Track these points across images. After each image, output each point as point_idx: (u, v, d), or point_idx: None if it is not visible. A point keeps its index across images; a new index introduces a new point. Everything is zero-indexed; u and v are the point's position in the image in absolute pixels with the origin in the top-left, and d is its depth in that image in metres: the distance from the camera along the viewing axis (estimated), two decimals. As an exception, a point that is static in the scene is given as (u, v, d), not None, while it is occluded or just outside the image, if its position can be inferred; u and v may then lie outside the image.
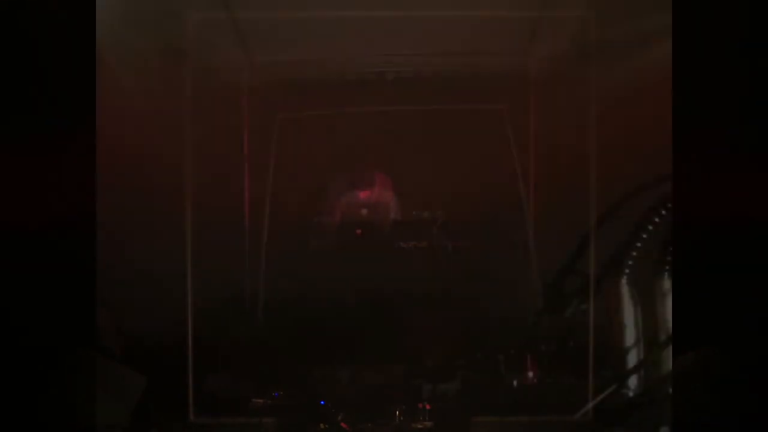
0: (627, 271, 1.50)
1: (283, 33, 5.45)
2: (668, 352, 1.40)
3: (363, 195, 5.69)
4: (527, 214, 6.28)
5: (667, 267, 1.40)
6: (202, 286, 4.01)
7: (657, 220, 1.37)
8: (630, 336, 1.51)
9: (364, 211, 5.31)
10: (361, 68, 6.18)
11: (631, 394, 1.43)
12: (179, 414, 3.54)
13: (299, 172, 6.05)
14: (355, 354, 4.26)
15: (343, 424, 3.42)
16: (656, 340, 1.44)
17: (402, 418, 3.43)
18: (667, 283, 1.44)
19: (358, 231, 5.27)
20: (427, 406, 3.51)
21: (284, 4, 5.09)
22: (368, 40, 5.80)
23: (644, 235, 1.42)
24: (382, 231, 5.32)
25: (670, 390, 1.29)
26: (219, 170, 5.51)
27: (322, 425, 3.47)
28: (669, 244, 1.38)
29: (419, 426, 3.35)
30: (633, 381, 1.47)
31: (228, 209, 5.70)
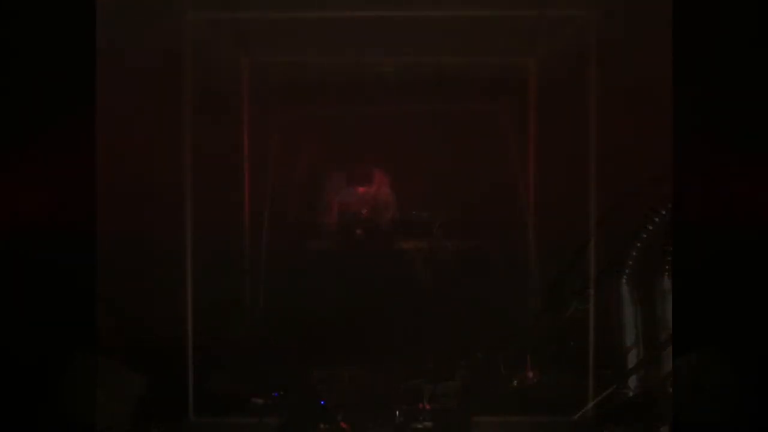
0: (627, 271, 1.50)
1: (283, 33, 5.45)
2: (668, 352, 1.40)
3: (363, 195, 5.69)
4: (527, 214, 6.29)
5: (667, 267, 1.40)
6: (202, 286, 4.01)
7: (657, 220, 1.36)
8: (630, 336, 1.51)
9: (364, 211, 5.30)
10: (361, 68, 6.18)
11: (631, 394, 1.43)
12: (179, 414, 3.54)
13: (299, 172, 6.05)
14: (355, 354, 4.26)
15: (342, 424, 3.42)
16: (656, 340, 1.44)
17: (402, 418, 3.44)
18: (667, 283, 1.43)
19: (359, 231, 5.27)
20: (427, 406, 3.51)
21: (284, 4, 5.10)
22: (368, 40, 5.80)
23: (644, 235, 1.41)
24: (382, 231, 5.32)
25: (670, 390, 1.29)
26: (219, 170, 5.51)
27: (322, 425, 3.47)
28: (669, 244, 1.38)
29: (419, 426, 3.36)
30: (633, 381, 1.47)
31: (228, 209, 5.70)
